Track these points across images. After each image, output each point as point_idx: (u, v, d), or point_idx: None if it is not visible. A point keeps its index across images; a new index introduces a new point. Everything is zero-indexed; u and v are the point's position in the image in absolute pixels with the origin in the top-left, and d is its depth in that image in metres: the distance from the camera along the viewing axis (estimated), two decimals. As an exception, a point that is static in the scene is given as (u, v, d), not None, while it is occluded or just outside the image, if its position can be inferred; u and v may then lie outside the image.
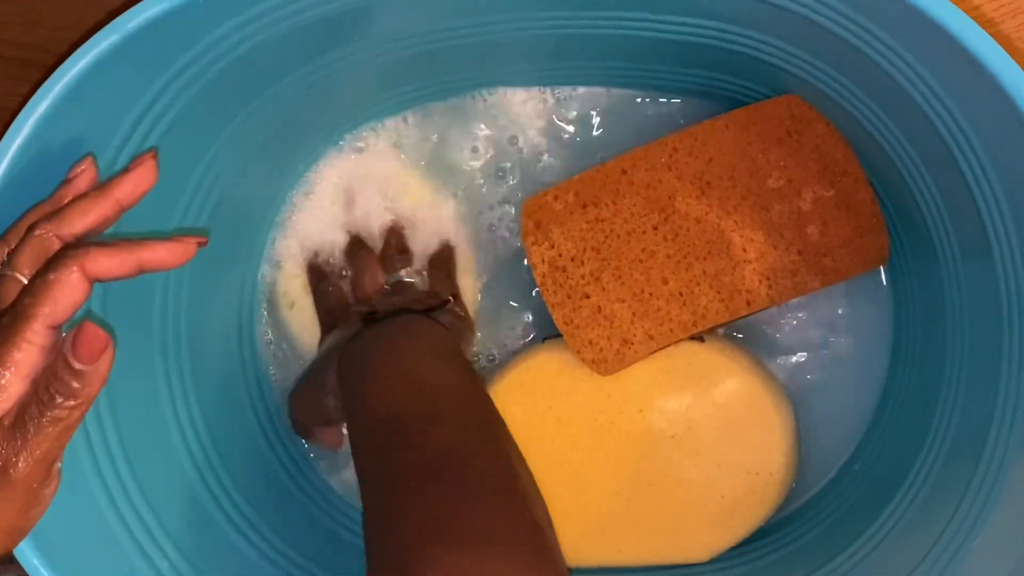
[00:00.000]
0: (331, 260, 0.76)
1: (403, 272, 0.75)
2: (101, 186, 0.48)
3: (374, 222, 0.76)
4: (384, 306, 0.72)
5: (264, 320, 0.76)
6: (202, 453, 0.63)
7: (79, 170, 0.49)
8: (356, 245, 0.76)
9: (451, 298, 0.73)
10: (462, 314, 0.74)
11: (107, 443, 0.55)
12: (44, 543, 0.49)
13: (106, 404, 0.55)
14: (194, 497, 0.62)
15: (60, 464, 0.46)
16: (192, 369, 0.64)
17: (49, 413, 0.43)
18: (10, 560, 0.49)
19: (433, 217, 0.76)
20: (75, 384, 0.43)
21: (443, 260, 0.76)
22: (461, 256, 0.76)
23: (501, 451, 0.59)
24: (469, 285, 0.76)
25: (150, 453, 0.58)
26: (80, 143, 0.50)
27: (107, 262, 0.44)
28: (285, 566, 0.65)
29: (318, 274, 0.76)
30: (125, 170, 0.48)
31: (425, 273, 0.76)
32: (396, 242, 0.76)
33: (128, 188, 0.48)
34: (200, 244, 0.48)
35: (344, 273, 0.76)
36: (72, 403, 0.43)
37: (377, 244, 0.76)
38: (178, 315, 0.63)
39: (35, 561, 0.49)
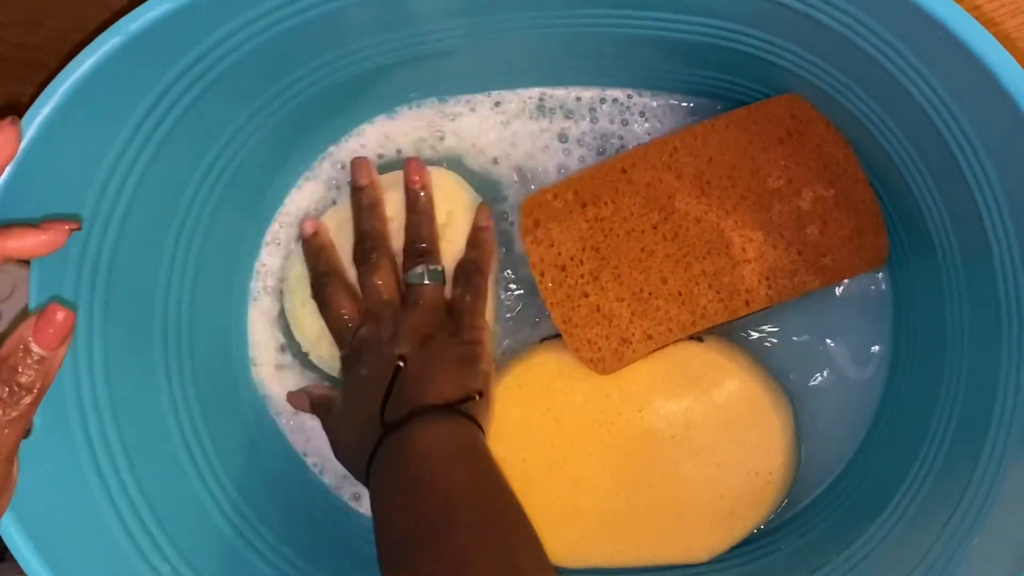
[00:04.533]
0: (332, 261, 0.71)
1: (420, 270, 0.68)
2: None
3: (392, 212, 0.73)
4: (403, 336, 0.66)
5: (266, 319, 0.76)
6: (202, 454, 0.63)
7: None
8: (365, 246, 0.70)
9: (478, 394, 0.66)
10: (486, 388, 0.67)
11: (108, 444, 0.55)
12: (44, 544, 0.49)
13: (107, 404, 0.55)
14: (194, 497, 0.62)
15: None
16: (192, 369, 0.64)
17: (12, 412, 0.42)
18: (10, 560, 0.49)
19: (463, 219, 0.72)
20: (34, 376, 0.43)
21: (472, 270, 0.70)
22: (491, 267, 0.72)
23: (512, 557, 0.57)
24: (490, 301, 0.71)
25: (150, 454, 0.58)
26: (84, 144, 0.50)
27: None
28: (284, 567, 0.65)
29: (319, 280, 0.71)
30: None
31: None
32: (419, 236, 0.70)
33: None
34: (72, 229, 0.45)
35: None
36: (31, 398, 0.43)
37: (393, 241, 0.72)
38: (179, 315, 0.63)
39: (35, 563, 0.49)
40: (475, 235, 0.71)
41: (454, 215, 0.72)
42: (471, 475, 0.61)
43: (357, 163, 0.72)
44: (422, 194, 0.71)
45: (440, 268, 0.69)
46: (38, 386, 0.43)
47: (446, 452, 0.62)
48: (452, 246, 0.71)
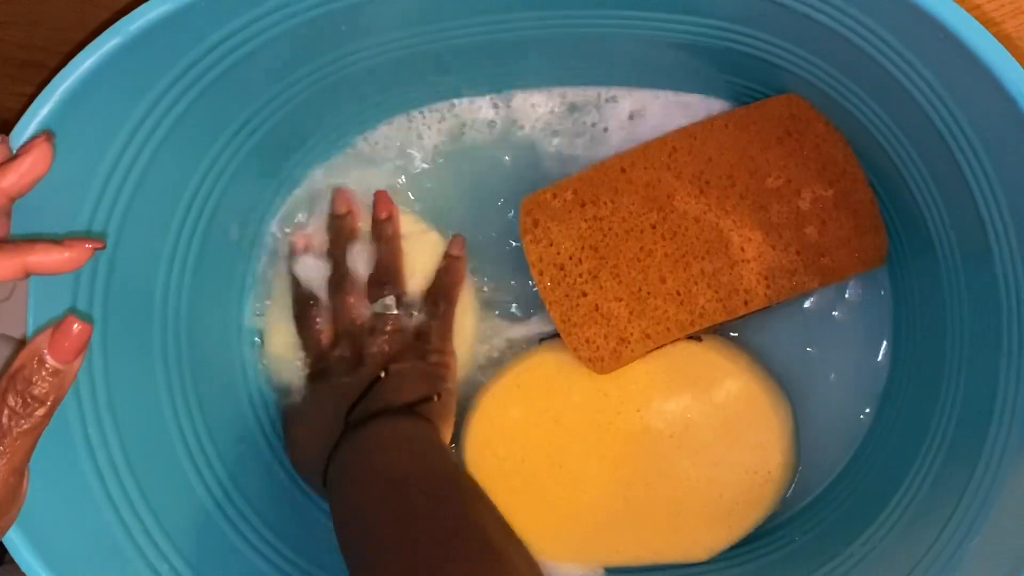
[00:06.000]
0: (315, 288, 0.73)
1: (388, 301, 0.71)
2: None
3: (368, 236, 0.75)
4: (370, 359, 0.70)
5: (264, 320, 0.76)
6: (201, 453, 0.63)
7: None
8: (340, 272, 0.72)
9: (437, 396, 0.69)
10: (446, 391, 0.70)
11: (107, 444, 0.55)
12: (43, 544, 0.49)
13: (106, 405, 0.55)
14: (193, 497, 0.62)
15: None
16: (192, 370, 0.64)
17: (24, 423, 0.42)
18: (10, 561, 0.49)
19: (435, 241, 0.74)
20: (48, 388, 0.42)
21: (441, 296, 0.72)
22: (464, 294, 0.74)
23: (477, 533, 0.60)
24: (469, 325, 0.74)
25: (149, 454, 0.58)
26: (83, 145, 0.50)
27: None
28: (284, 566, 0.65)
29: (300, 305, 0.73)
30: (14, 156, 0.45)
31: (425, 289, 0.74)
32: (386, 266, 0.72)
33: (12, 178, 0.44)
34: (96, 248, 0.44)
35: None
36: (44, 410, 0.43)
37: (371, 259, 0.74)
38: (178, 315, 0.63)
39: (33, 563, 0.49)
40: (446, 264, 0.73)
41: (419, 258, 0.74)
42: (424, 461, 0.64)
43: (337, 192, 0.74)
44: (389, 225, 0.73)
45: (404, 296, 0.72)
46: (52, 398, 0.43)
47: (400, 441, 0.65)
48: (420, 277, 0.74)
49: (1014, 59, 0.43)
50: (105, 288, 0.55)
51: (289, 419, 0.73)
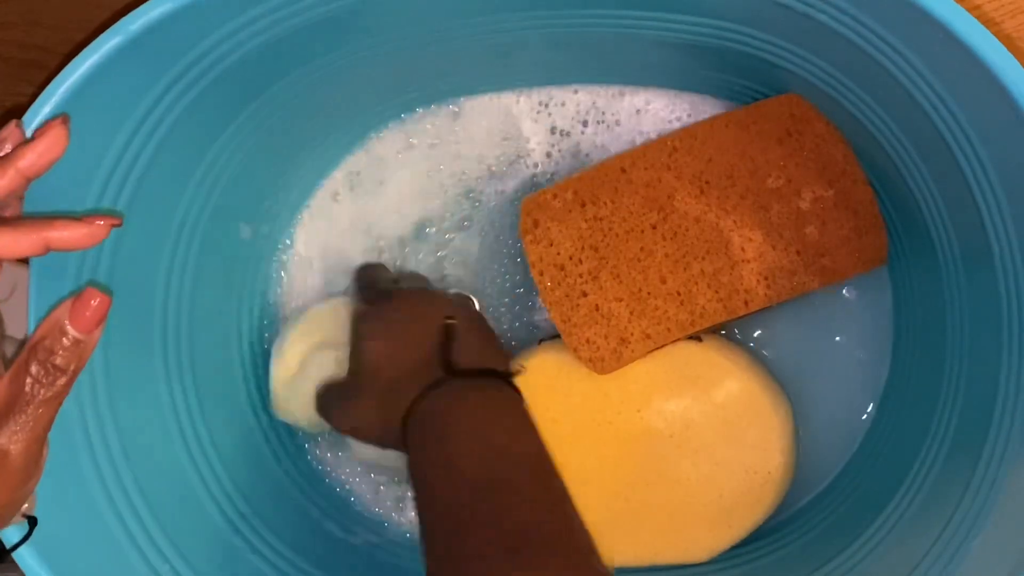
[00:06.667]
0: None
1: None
2: (3, 157, 0.45)
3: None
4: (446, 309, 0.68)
5: (265, 321, 0.76)
6: (202, 454, 0.63)
7: (1, 136, 0.46)
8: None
9: (521, 366, 0.68)
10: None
11: (107, 445, 0.55)
12: (43, 544, 0.49)
13: (106, 404, 0.55)
14: (193, 498, 0.62)
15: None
16: (192, 370, 0.64)
17: (46, 392, 0.43)
18: (9, 560, 0.49)
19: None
20: (69, 357, 0.44)
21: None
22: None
23: (575, 526, 0.58)
24: None
25: (149, 454, 0.58)
26: (84, 144, 0.50)
27: (10, 242, 0.42)
28: (284, 567, 0.65)
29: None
30: (31, 138, 0.46)
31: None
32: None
33: (31, 159, 0.45)
34: (113, 225, 0.45)
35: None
36: (65, 379, 0.44)
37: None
38: (179, 316, 0.63)
39: (34, 563, 0.49)
40: None
41: None
42: (525, 442, 0.62)
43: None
44: None
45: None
46: (72, 368, 0.44)
47: (504, 412, 0.64)
48: None
49: (1014, 59, 0.43)
50: (106, 289, 0.55)
51: (337, 387, 0.68)
